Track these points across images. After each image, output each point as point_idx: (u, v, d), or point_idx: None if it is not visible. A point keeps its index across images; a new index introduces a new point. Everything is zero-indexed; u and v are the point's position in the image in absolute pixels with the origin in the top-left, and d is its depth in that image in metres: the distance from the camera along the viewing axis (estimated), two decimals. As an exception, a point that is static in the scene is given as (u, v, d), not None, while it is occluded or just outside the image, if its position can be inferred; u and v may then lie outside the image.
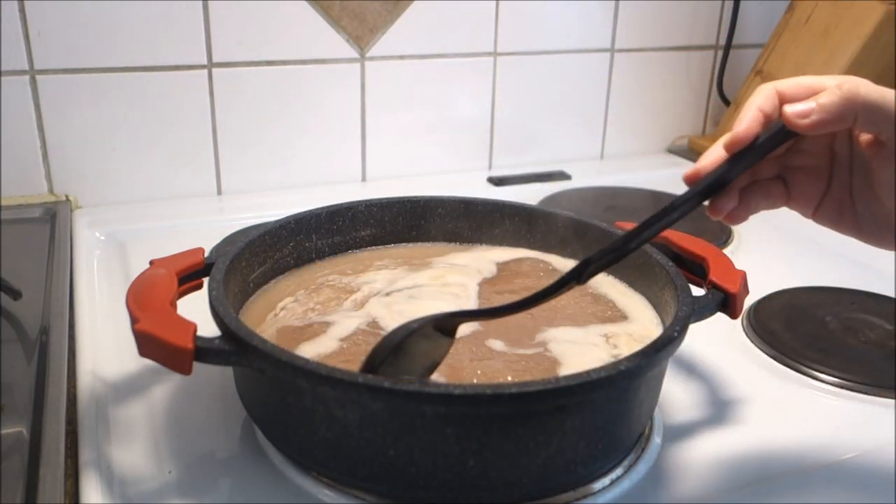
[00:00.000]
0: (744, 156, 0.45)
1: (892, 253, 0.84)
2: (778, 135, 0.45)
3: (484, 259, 0.66)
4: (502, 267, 0.65)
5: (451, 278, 0.62)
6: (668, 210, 0.45)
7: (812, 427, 0.57)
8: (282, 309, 0.57)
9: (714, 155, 0.47)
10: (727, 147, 0.46)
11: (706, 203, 0.48)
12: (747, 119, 0.45)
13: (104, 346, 0.62)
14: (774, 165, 0.49)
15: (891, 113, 0.42)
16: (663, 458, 0.52)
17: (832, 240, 0.89)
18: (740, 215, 0.48)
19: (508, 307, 0.47)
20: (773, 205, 0.49)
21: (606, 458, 0.48)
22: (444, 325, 0.47)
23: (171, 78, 0.89)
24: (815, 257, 0.86)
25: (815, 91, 0.44)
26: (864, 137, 0.46)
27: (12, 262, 0.72)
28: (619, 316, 0.58)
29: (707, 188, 0.46)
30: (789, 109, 0.44)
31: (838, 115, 0.43)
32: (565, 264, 0.65)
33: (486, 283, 0.62)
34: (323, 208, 0.64)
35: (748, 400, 0.59)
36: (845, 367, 0.62)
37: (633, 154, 1.18)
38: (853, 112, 0.42)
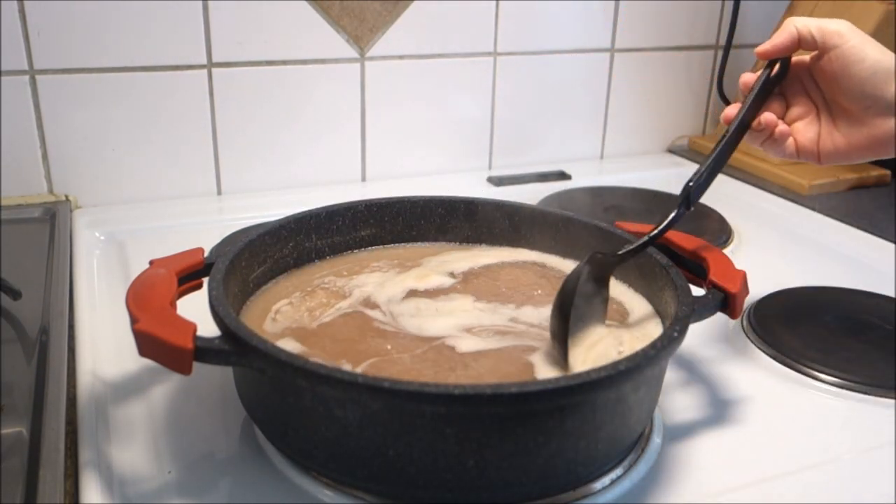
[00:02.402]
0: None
1: (893, 253, 0.85)
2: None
3: (481, 258, 0.66)
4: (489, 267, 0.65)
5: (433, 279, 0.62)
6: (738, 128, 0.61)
7: (812, 427, 0.57)
8: (277, 312, 0.57)
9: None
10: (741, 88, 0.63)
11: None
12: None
13: (104, 346, 0.62)
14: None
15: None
16: (663, 458, 0.52)
17: (832, 240, 0.90)
18: (783, 135, 0.62)
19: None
20: (785, 151, 0.63)
21: (606, 458, 0.48)
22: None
23: (171, 78, 0.89)
24: (815, 257, 0.86)
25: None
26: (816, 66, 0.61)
27: (12, 262, 0.72)
28: (618, 315, 0.58)
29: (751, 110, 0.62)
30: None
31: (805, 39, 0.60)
32: (565, 264, 0.65)
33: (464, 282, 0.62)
34: (323, 208, 0.64)
35: (748, 400, 0.59)
36: (845, 367, 0.62)
37: (633, 154, 1.18)
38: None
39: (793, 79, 0.63)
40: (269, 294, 0.59)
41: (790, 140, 0.63)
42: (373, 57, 0.97)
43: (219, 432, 0.54)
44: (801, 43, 0.60)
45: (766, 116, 0.61)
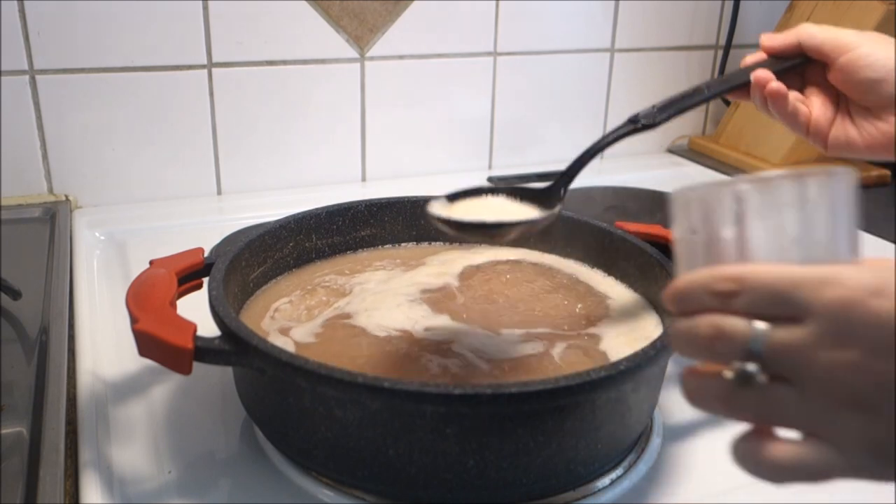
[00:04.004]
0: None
1: (893, 253, 0.84)
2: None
3: (480, 257, 0.66)
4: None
5: (437, 277, 0.62)
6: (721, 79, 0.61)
7: (812, 427, 0.57)
8: (276, 310, 0.57)
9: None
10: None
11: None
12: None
13: (104, 346, 0.62)
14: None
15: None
16: (663, 458, 0.52)
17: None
18: (775, 94, 0.59)
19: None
20: (795, 122, 0.60)
21: (606, 458, 0.48)
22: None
23: (171, 78, 0.89)
24: (815, 257, 0.86)
25: None
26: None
27: (12, 262, 0.72)
28: (618, 315, 0.58)
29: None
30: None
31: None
32: (564, 264, 0.65)
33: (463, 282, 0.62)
34: (323, 208, 0.64)
35: (748, 400, 0.59)
36: (845, 367, 0.62)
37: (633, 154, 1.18)
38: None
39: (811, 67, 0.61)
40: (269, 294, 0.59)
41: (804, 110, 0.60)
42: (373, 57, 0.97)
43: (219, 432, 0.54)
44: (803, 49, 0.59)
45: (759, 73, 0.59)
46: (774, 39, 0.60)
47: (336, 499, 0.47)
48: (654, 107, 0.58)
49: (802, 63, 0.60)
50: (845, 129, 0.60)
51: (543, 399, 0.42)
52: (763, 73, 0.59)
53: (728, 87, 0.60)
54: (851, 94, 0.58)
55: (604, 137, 0.56)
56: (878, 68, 0.56)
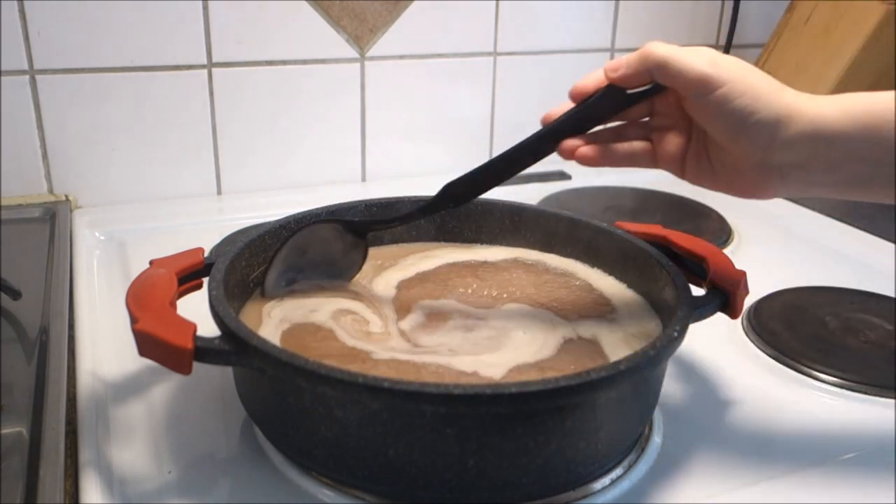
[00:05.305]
0: (590, 106, 0.52)
1: (892, 253, 0.85)
2: (609, 90, 0.51)
3: (479, 257, 0.66)
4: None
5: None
6: (522, 146, 0.52)
7: (812, 427, 0.57)
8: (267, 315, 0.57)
9: (563, 109, 0.53)
10: (572, 96, 0.53)
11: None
12: (591, 76, 0.52)
13: (104, 346, 0.62)
14: (640, 129, 0.53)
15: (677, 67, 0.47)
16: (663, 458, 0.52)
17: (832, 240, 0.90)
18: (593, 160, 0.52)
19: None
20: (639, 164, 0.53)
21: (606, 458, 0.48)
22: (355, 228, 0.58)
23: (171, 78, 0.89)
24: (815, 257, 0.86)
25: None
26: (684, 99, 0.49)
27: (12, 262, 0.72)
28: (617, 314, 0.58)
29: (555, 129, 0.52)
30: (607, 65, 0.51)
31: (636, 70, 0.49)
32: (564, 264, 0.65)
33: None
34: (323, 208, 0.64)
35: (748, 400, 0.59)
36: (845, 367, 0.62)
37: (633, 154, 1.18)
38: (647, 67, 0.48)
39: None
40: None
41: (639, 148, 0.52)
42: (373, 57, 0.97)
43: (219, 432, 0.54)
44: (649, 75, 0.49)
45: (565, 146, 0.52)
46: (615, 69, 0.51)
47: (336, 499, 0.47)
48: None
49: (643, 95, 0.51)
50: (698, 164, 0.51)
51: (543, 399, 0.42)
52: (568, 145, 0.52)
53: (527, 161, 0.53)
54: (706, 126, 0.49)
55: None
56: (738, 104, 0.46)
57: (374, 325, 0.55)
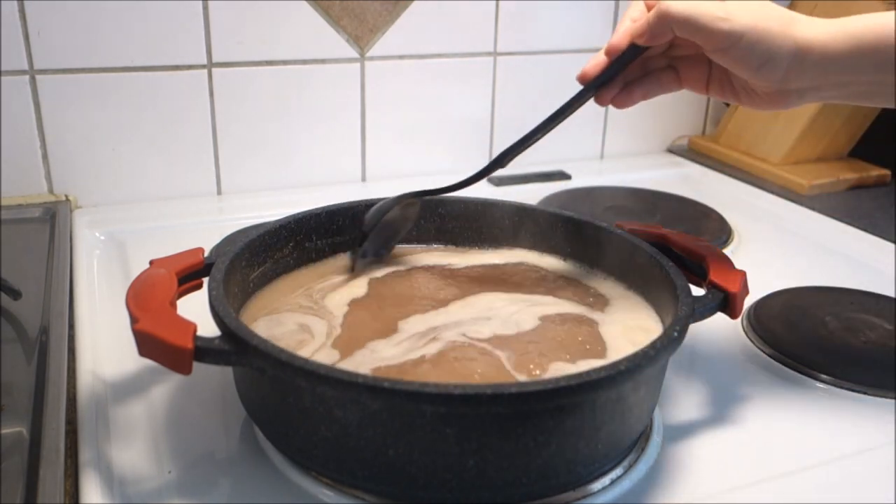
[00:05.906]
0: (620, 59, 0.56)
1: (892, 253, 0.85)
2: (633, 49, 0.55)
3: (478, 258, 0.66)
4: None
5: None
6: (568, 103, 0.58)
7: (812, 427, 0.57)
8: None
9: (597, 59, 0.58)
10: (607, 53, 0.57)
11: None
12: (620, 31, 0.56)
13: (104, 346, 0.62)
14: (663, 58, 0.59)
15: (696, 25, 0.51)
16: (663, 458, 0.52)
17: (832, 240, 0.90)
18: (628, 101, 0.59)
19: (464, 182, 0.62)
20: (668, 89, 0.59)
21: (606, 458, 0.48)
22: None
23: (171, 78, 0.89)
24: (815, 257, 0.86)
25: None
26: None
27: (12, 262, 0.72)
28: (616, 314, 0.58)
29: (595, 85, 0.57)
30: (634, 33, 0.55)
31: (659, 31, 0.53)
32: (563, 265, 0.65)
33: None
34: (323, 208, 0.64)
35: (748, 400, 0.59)
36: (845, 367, 0.62)
37: (633, 154, 1.18)
38: (668, 26, 0.52)
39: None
40: (269, 294, 0.59)
41: (667, 78, 0.58)
42: (373, 57, 0.97)
43: (219, 432, 0.54)
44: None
45: (601, 98, 0.58)
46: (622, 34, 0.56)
47: (336, 499, 0.47)
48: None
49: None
50: (721, 85, 0.58)
51: (543, 399, 0.42)
52: (603, 96, 0.58)
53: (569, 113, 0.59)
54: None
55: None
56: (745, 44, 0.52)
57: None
